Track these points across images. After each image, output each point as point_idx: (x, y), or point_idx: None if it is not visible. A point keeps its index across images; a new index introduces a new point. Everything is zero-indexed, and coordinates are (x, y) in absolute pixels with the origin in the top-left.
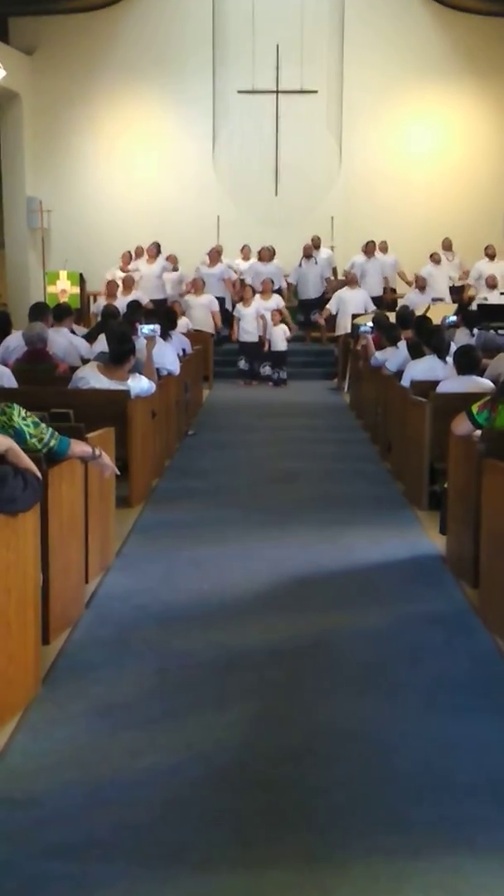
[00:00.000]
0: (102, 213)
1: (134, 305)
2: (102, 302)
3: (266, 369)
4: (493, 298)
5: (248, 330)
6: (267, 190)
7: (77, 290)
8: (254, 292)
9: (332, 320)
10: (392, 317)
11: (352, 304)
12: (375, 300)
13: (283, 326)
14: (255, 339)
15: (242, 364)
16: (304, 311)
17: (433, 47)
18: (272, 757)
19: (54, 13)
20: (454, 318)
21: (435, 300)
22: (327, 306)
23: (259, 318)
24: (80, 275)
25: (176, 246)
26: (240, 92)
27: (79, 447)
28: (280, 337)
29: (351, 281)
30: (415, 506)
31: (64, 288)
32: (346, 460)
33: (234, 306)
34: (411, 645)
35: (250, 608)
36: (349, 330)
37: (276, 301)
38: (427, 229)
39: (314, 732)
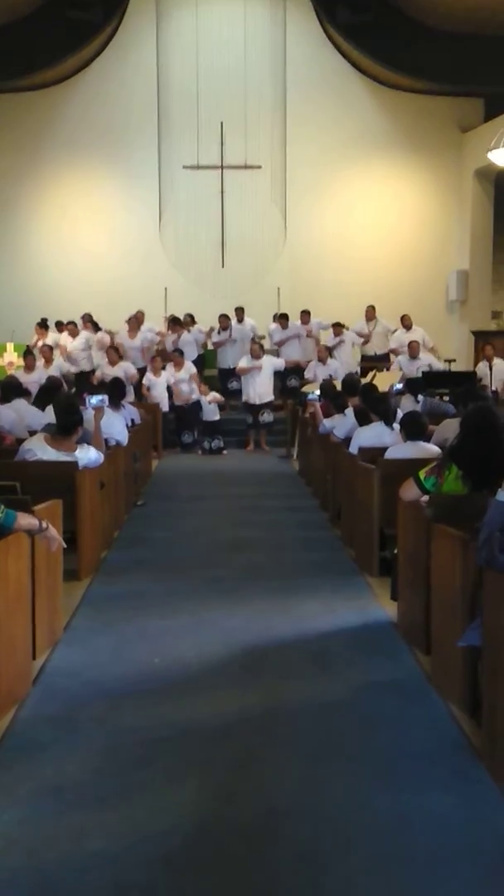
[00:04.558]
0: (50, 286)
1: (82, 376)
2: (21, 374)
3: (186, 437)
4: (414, 368)
5: (157, 399)
6: (214, 262)
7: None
8: (164, 363)
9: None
10: (339, 384)
11: (263, 374)
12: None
13: (213, 395)
14: (165, 408)
15: None
16: (222, 381)
17: (372, 123)
18: (226, 835)
19: (1, 92)
20: (400, 386)
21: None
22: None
23: (175, 387)
24: (28, 347)
25: (124, 317)
26: (185, 167)
27: (25, 520)
28: (212, 407)
29: (254, 353)
30: (366, 572)
31: (11, 360)
32: (296, 528)
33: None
34: (365, 714)
35: (202, 681)
36: (263, 399)
37: (188, 370)
38: (373, 297)
39: (269, 809)
